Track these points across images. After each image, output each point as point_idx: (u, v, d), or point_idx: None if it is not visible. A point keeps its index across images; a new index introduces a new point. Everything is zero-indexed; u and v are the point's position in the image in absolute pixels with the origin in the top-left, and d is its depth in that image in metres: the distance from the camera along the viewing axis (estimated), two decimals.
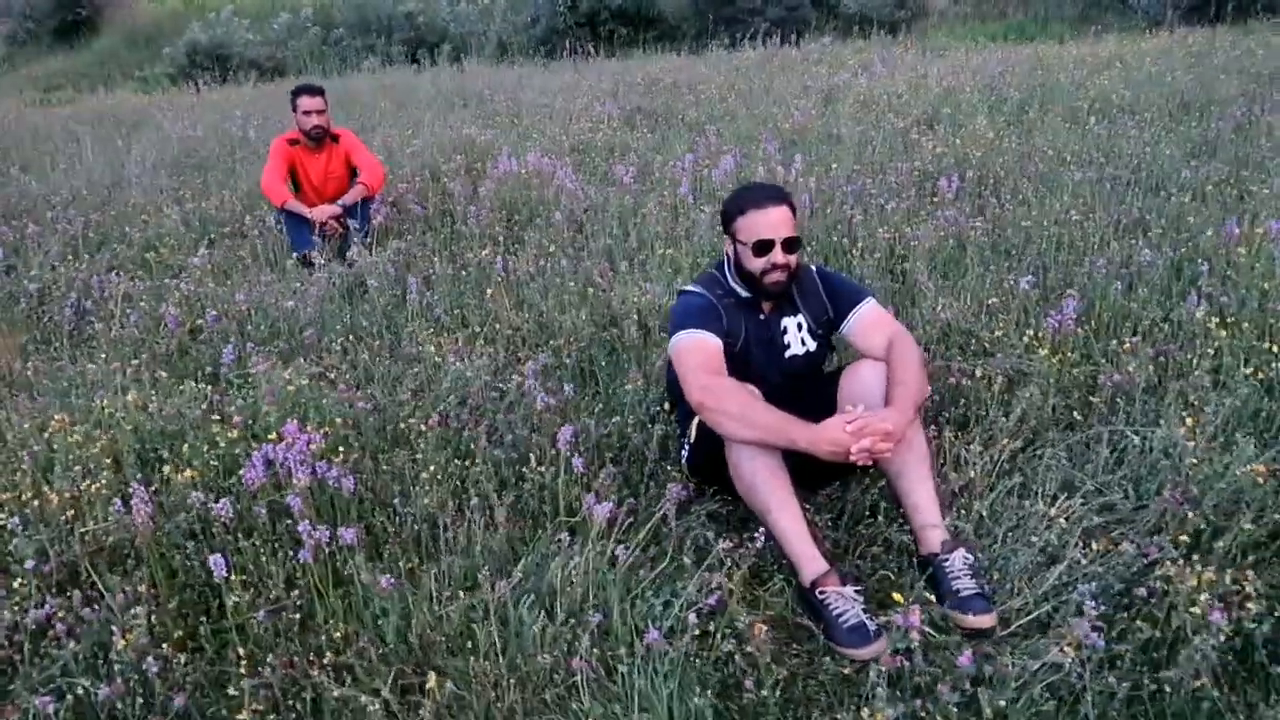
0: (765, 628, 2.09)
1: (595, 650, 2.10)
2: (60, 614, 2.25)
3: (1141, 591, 2.04)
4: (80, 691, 2.04)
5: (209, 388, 3.19)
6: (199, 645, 2.24)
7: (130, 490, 2.53)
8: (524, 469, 2.62)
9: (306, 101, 5.14)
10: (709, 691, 1.95)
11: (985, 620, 2.14)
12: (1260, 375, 2.77)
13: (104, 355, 3.65)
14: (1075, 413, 2.77)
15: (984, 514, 2.44)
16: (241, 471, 2.53)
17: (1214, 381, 2.81)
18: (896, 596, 2.07)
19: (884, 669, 1.90)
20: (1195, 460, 2.33)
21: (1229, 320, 2.98)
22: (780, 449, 2.31)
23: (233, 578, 2.24)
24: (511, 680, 2.03)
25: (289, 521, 2.40)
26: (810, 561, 2.24)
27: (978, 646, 2.09)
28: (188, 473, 2.64)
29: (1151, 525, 2.29)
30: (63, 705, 2.02)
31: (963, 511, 2.47)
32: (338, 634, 2.17)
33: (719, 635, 2.09)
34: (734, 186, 4.88)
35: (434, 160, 6.40)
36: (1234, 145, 5.38)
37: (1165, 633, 1.95)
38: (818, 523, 2.53)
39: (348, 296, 4.25)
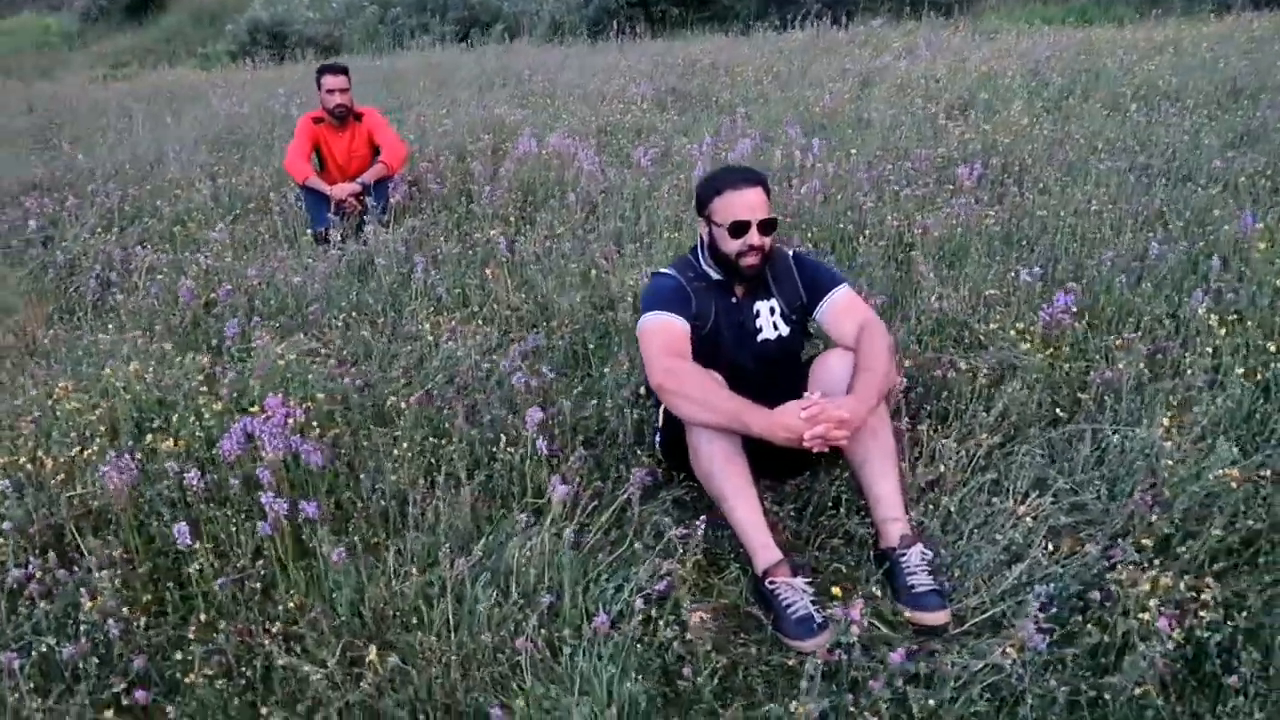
0: (706, 616, 2.10)
1: (543, 631, 2.12)
2: (39, 575, 2.34)
3: (1096, 595, 1.99)
4: (45, 649, 2.12)
5: (206, 360, 3.26)
6: (164, 610, 2.31)
7: (116, 458, 2.62)
8: (493, 449, 2.63)
9: (330, 80, 5.21)
10: (641, 677, 1.95)
11: (937, 617, 2.11)
12: (1259, 376, 2.67)
13: (113, 325, 3.76)
14: (1059, 409, 2.69)
15: (952, 509, 2.40)
16: (220, 442, 2.59)
17: (1211, 381, 2.71)
18: (835, 590, 2.04)
19: (820, 662, 1.88)
20: (1171, 462, 2.26)
21: (1230, 318, 2.87)
22: (741, 436, 2.29)
23: (198, 546, 2.30)
24: (454, 658, 2.05)
25: (261, 493, 2.45)
26: (763, 550, 2.22)
27: (925, 644, 2.06)
28: (169, 442, 2.72)
29: (1120, 527, 2.23)
30: (28, 661, 2.10)
31: (931, 506, 2.43)
32: (291, 604, 2.21)
33: (663, 622, 2.09)
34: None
35: (462, 140, 6.44)
36: (1279, 135, 5.16)
37: (1114, 638, 1.90)
38: (780, 512, 2.51)
39: (358, 274, 4.31)
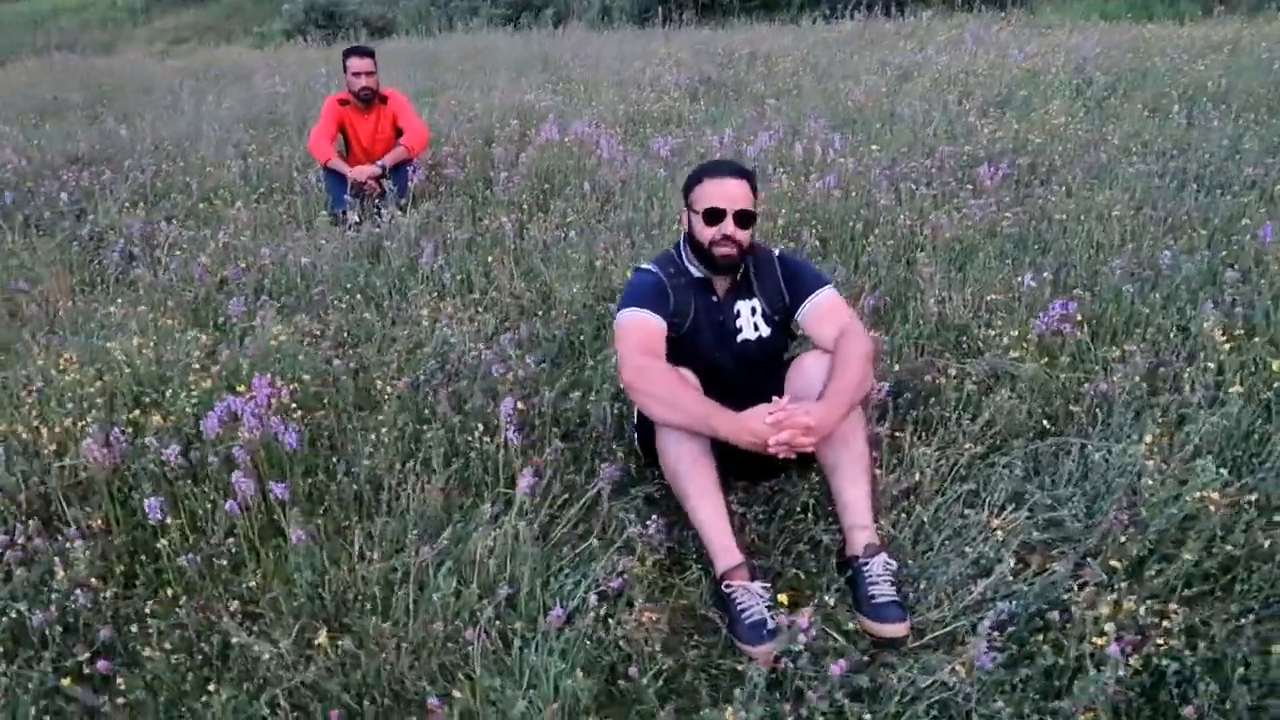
0: (655, 615, 2.08)
1: (498, 623, 2.13)
2: (21, 542, 2.40)
3: (1056, 615, 1.93)
4: (14, 615, 2.18)
5: (206, 337, 3.31)
6: (133, 583, 2.35)
7: (99, 430, 2.68)
8: (468, 438, 2.64)
9: (356, 63, 5.25)
10: (588, 674, 1.94)
11: (895, 629, 2.07)
12: (1261, 395, 2.57)
13: (125, 300, 3.83)
14: (1048, 421, 2.62)
15: (925, 519, 2.35)
16: (203, 420, 2.64)
17: (1212, 399, 2.62)
18: (781, 598, 2.01)
19: (763, 668, 1.86)
20: (1151, 481, 2.18)
21: (1237, 333, 2.76)
22: (710, 438, 2.27)
23: (170, 521, 2.34)
24: (404, 644, 2.06)
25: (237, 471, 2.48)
26: (723, 553, 2.19)
27: (879, 656, 2.03)
28: (156, 417, 2.77)
29: (1093, 546, 2.16)
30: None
31: (904, 514, 2.39)
32: (252, 583, 2.24)
33: (615, 619, 2.07)
34: (770, 163, 4.79)
35: (491, 124, 6.45)
36: None
37: (1068, 661, 1.85)
38: (748, 514, 2.48)
39: (370, 256, 4.35)
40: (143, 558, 2.39)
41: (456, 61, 10.63)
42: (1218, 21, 10.45)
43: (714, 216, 2.43)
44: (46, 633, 2.14)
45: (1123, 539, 2.07)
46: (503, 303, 3.72)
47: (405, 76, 9.58)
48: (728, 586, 2.14)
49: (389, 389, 2.89)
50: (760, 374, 2.52)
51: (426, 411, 2.83)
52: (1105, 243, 3.61)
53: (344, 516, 2.53)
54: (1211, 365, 2.66)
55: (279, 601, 2.19)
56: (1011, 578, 2.10)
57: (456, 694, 1.95)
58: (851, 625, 2.10)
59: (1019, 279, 3.24)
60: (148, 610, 2.15)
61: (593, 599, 2.10)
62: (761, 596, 2.11)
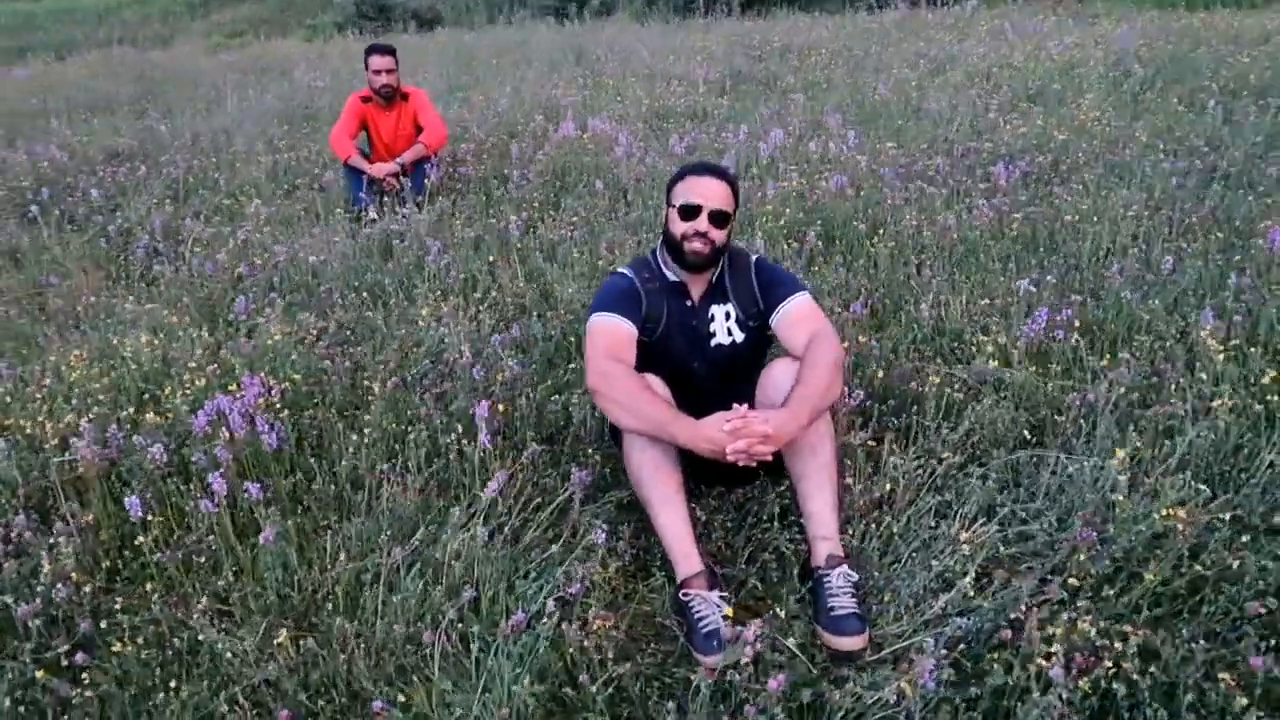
0: (608, 623, 2.09)
1: (460, 625, 2.15)
2: (15, 535, 2.50)
3: (1009, 633, 1.90)
4: (1, 607, 2.26)
5: (207, 334, 3.39)
6: (116, 578, 2.43)
7: (96, 427, 2.77)
8: (447, 440, 2.67)
9: (377, 61, 5.31)
10: (540, 679, 1.96)
11: (852, 642, 2.05)
12: (1256, 408, 2.49)
13: (143, 296, 3.93)
14: (1030, 431, 2.57)
15: (896, 531, 2.32)
16: (192, 417, 2.71)
17: (1205, 409, 2.54)
18: (727, 610, 2.01)
19: (708, 679, 1.86)
20: (1121, 496, 2.13)
21: (1235, 342, 2.68)
22: (677, 446, 2.27)
23: (152, 519, 2.42)
24: (362, 645, 2.10)
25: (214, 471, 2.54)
26: (683, 560, 2.20)
27: (831, 670, 2.01)
28: (151, 415, 2.85)
29: (1059, 562, 2.12)
30: None
31: (874, 525, 2.36)
32: (222, 582, 2.30)
33: (569, 625, 2.09)
34: (782, 160, 4.75)
35: (514, 120, 6.49)
36: None
37: (1017, 681, 1.81)
38: (714, 522, 2.47)
39: (382, 254, 4.40)
40: (126, 553, 2.47)
41: (493, 55, 10.68)
42: (1276, 10, 10.08)
43: (689, 212, 2.42)
44: (30, 624, 2.22)
45: (1083, 556, 2.01)
46: (503, 302, 3.75)
47: (440, 71, 9.67)
48: (685, 595, 2.15)
49: (376, 389, 2.93)
50: (734, 380, 2.50)
51: (410, 412, 2.87)
52: (1113, 244, 3.52)
53: (323, 516, 2.57)
54: (1205, 376, 2.59)
55: (248, 600, 2.25)
56: (972, 593, 2.07)
57: (412, 696, 1.99)
58: (794, 639, 2.08)
59: (1018, 283, 3.17)
60: (118, 605, 2.21)
61: (550, 604, 2.11)
62: (719, 606, 2.11)
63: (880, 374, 2.85)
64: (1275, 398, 2.45)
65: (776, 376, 2.38)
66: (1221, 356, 2.57)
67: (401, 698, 1.98)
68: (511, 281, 3.81)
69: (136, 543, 2.39)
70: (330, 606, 2.20)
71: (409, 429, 2.79)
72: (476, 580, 2.26)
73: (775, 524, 2.38)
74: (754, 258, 2.59)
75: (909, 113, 5.92)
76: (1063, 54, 7.42)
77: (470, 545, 2.29)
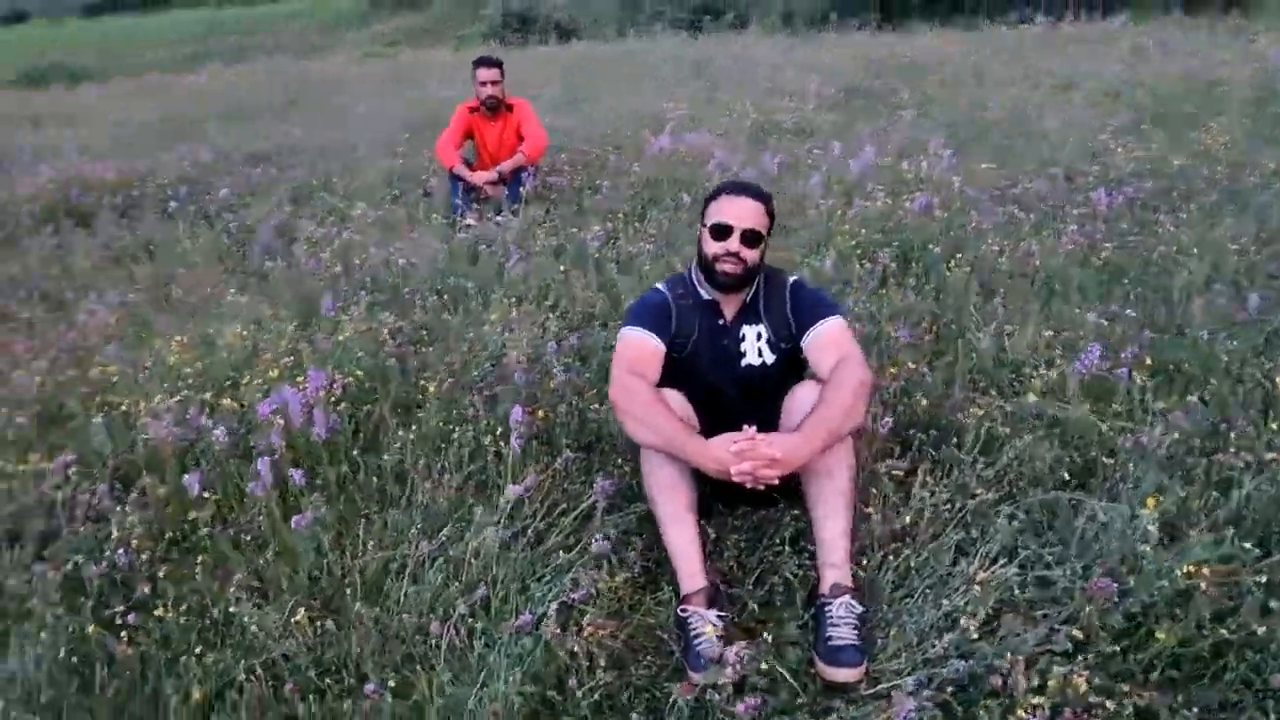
0: (602, 630, 2.13)
1: (471, 621, 2.24)
2: (95, 501, 2.74)
3: (997, 679, 1.83)
4: (74, 565, 2.49)
5: (290, 328, 3.61)
6: (174, 548, 2.63)
7: (179, 408, 3.01)
8: (481, 440, 2.77)
9: (483, 73, 5.53)
10: (520, 675, 2.01)
11: (846, 674, 2.02)
12: None
13: (235, 290, 4.22)
14: (1068, 473, 2.45)
15: (913, 564, 2.27)
16: (258, 405, 2.91)
17: (1267, 463, 2.36)
18: (708, 630, 2.01)
19: (685, 697, 1.88)
20: (1148, 548, 2.01)
21: None
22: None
23: (208, 496, 2.61)
24: (375, 631, 2.21)
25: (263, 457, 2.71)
26: (687, 578, 2.21)
27: (824, 700, 1.99)
28: (227, 400, 3.07)
29: (1073, 611, 2.02)
30: (59, 573, 2.47)
31: (891, 556, 2.31)
32: (262, 560, 2.46)
33: (568, 630, 2.14)
34: (870, 180, 4.67)
35: (620, 131, 6.61)
36: None
37: None
38: (728, 542, 2.47)
39: (470, 260, 4.57)
40: (186, 527, 2.67)
41: (618, 67, 10.89)
42: None
43: (721, 232, 2.44)
44: (94, 584, 2.44)
45: (1097, 608, 1.92)
46: (572, 311, 3.84)
47: (565, 81, 9.93)
48: (684, 611, 2.16)
49: (431, 389, 3.07)
50: (762, 401, 2.49)
51: (458, 413, 2.98)
52: (1196, 280, 3.30)
53: (364, 506, 2.71)
54: (1277, 427, 2.41)
55: (281, 579, 2.40)
56: (976, 635, 2.00)
57: (414, 684, 2.08)
58: (786, 665, 2.05)
59: (1088, 315, 3.02)
60: (162, 574, 2.40)
61: (553, 609, 2.17)
62: (714, 625, 2.11)
63: (924, 402, 2.77)
64: None
65: (800, 399, 2.36)
66: None
67: (401, 684, 2.07)
68: (583, 291, 3.89)
69: (192, 517, 2.58)
70: (351, 592, 2.32)
71: (455, 429, 2.90)
72: (492, 579, 2.33)
73: (787, 548, 2.36)
74: (792, 279, 2.58)
75: (1020, 133, 5.70)
76: (1207, 73, 6.97)
77: (489, 545, 2.37)
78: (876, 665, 2.06)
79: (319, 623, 2.25)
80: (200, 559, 2.52)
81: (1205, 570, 1.87)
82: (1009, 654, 1.85)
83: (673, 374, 2.51)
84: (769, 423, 2.38)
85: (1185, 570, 1.89)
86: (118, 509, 2.66)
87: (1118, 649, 1.87)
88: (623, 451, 2.79)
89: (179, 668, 2.19)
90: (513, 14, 22.98)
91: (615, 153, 5.91)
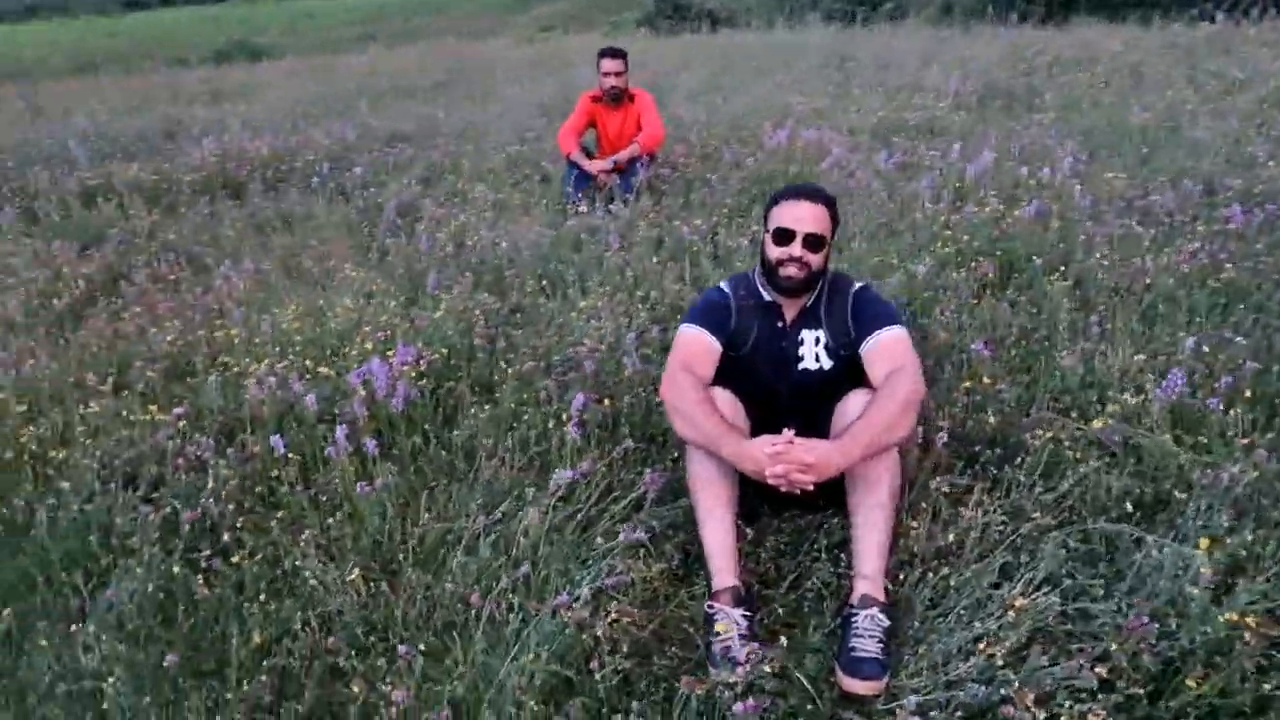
0: (627, 617, 2.18)
1: (512, 596, 2.34)
2: (199, 454, 3.00)
3: (1011, 710, 1.79)
4: (169, 510, 2.74)
5: (396, 304, 3.82)
6: (260, 503, 2.85)
7: (282, 372, 3.25)
8: (546, 424, 2.86)
9: (607, 64, 5.63)
10: (545, 653, 2.09)
11: (866, 686, 2.01)
12: None
13: (350, 265, 4.48)
14: (1130, 504, 2.33)
15: (952, 583, 2.22)
16: (348, 375, 3.11)
17: None
18: (720, 626, 2.03)
19: (689, 691, 1.92)
20: (1197, 590, 1.90)
21: None
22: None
23: (291, 457, 2.82)
24: (420, 596, 2.34)
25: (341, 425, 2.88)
26: (718, 575, 2.24)
27: (837, 711, 1.98)
28: (323, 368, 3.29)
29: (1105, 649, 1.94)
30: (159, 515, 2.72)
31: (930, 574, 2.26)
32: (332, 520, 2.64)
33: (596, 614, 2.21)
34: (986, 185, 4.51)
35: (742, 124, 6.59)
36: None
37: None
38: (768, 544, 2.47)
39: (575, 247, 4.69)
40: (272, 483, 2.89)
41: (760, 57, 10.81)
42: None
43: (783, 237, 2.45)
44: (185, 527, 2.68)
45: (1121, 647, 1.83)
46: (662, 303, 3.89)
47: (704, 70, 9.95)
48: (710, 607, 2.19)
49: (510, 371, 3.19)
50: (818, 407, 2.48)
51: (529, 395, 3.09)
52: None
53: (434, 478, 2.86)
54: None
55: (345, 540, 2.57)
56: (1002, 663, 1.95)
57: (450, 651, 2.19)
58: (804, 672, 2.05)
59: (1187, 340, 2.84)
60: (240, 525, 2.61)
61: (586, 592, 2.25)
62: (739, 624, 2.13)
63: (992, 419, 2.69)
64: None
65: (851, 407, 2.34)
66: None
67: (439, 649, 2.19)
68: (674, 284, 3.93)
69: (275, 475, 2.80)
70: (402, 557, 2.46)
71: (526, 410, 3.02)
72: (536, 559, 2.43)
73: (824, 555, 2.35)
74: (857, 286, 2.55)
75: (1165, 140, 5.34)
76: None
77: (536, 525, 2.47)
78: (898, 682, 2.03)
79: (373, 583, 2.41)
80: (279, 515, 2.74)
81: (1250, 620, 1.76)
82: (1016, 683, 1.79)
83: (730, 373, 2.53)
84: (822, 428, 2.37)
85: (1227, 618, 1.78)
86: (217, 462, 2.91)
87: (1143, 692, 1.78)
88: (677, 445, 2.83)
89: (244, 613, 2.39)
90: (668, 1, 23.08)
91: (731, 146, 5.89)
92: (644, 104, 5.73)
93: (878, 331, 2.41)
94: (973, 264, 3.69)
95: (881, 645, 2.06)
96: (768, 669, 1.90)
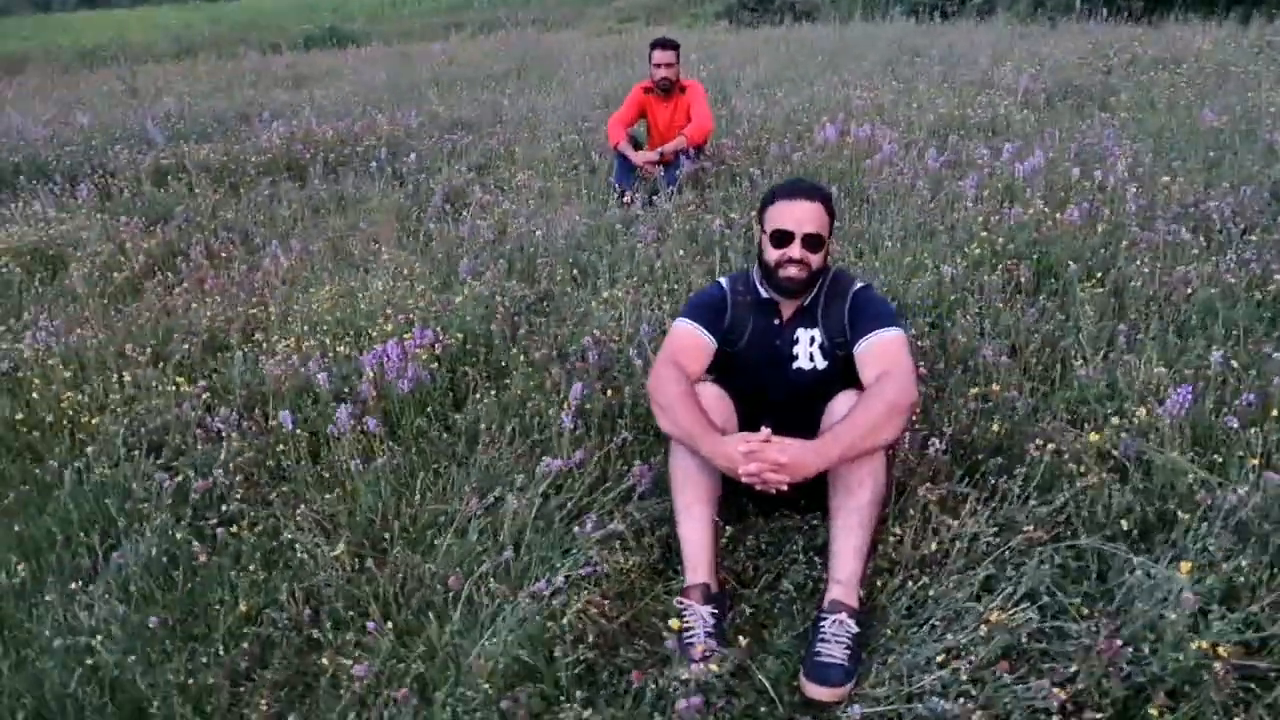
0: (595, 609, 2.19)
1: (493, 581, 2.36)
2: (217, 424, 3.11)
3: None
4: (181, 478, 2.85)
5: (427, 288, 3.88)
6: (268, 475, 2.93)
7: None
8: (548, 412, 2.88)
9: (658, 55, 5.62)
10: (510, 639, 2.11)
11: (825, 693, 1.98)
12: None
13: (387, 249, 4.56)
14: (1126, 521, 2.22)
15: (931, 593, 2.17)
16: (364, 355, 3.18)
17: None
18: (675, 623, 2.01)
19: (640, 684, 1.92)
20: (1173, 615, 1.82)
21: None
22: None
23: (299, 433, 2.89)
24: (403, 575, 2.39)
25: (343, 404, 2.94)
26: (691, 571, 2.23)
27: (798, 716, 1.96)
28: (342, 348, 3.37)
29: (1075, 671, 1.86)
30: (174, 483, 2.82)
31: (909, 583, 2.21)
32: (329, 496, 2.70)
33: (566, 602, 2.21)
34: (1035, 185, 4.37)
35: (798, 119, 6.50)
36: None
37: None
38: (748, 543, 2.44)
39: (610, 238, 4.70)
40: (280, 457, 2.97)
41: (832, 51, 10.63)
42: None
43: (781, 239, 2.41)
44: (195, 497, 2.77)
45: (1086, 668, 1.76)
46: (686, 296, 3.86)
47: (774, 63, 9.83)
48: (679, 603, 2.18)
49: (522, 358, 3.22)
50: (811, 406, 2.44)
51: (537, 383, 3.11)
52: None
53: (434, 459, 2.90)
54: None
55: (340, 516, 2.63)
56: (966, 678, 1.89)
57: (425, 630, 2.23)
58: (765, 674, 2.03)
59: (1214, 354, 2.71)
60: (239, 497, 2.69)
61: (560, 580, 2.26)
62: (705, 621, 2.12)
63: (996, 427, 2.60)
64: None
65: (838, 408, 2.30)
66: None
67: (415, 627, 2.22)
68: (700, 278, 3.91)
69: (282, 449, 2.88)
70: (390, 537, 2.51)
71: (533, 397, 3.04)
72: (517, 545, 2.45)
73: (803, 556, 2.31)
74: (856, 286, 2.50)
75: (1240, 144, 5.08)
76: None
77: (522, 512, 2.49)
78: (860, 691, 1.99)
79: (360, 560, 2.46)
80: (282, 488, 2.82)
81: (1221, 649, 1.67)
82: (966, 702, 1.74)
83: (724, 369, 2.51)
84: (816, 428, 2.33)
85: (1198, 645, 1.69)
86: (230, 435, 3.00)
87: (1101, 718, 1.71)
88: (665, 440, 2.82)
89: (236, 580, 2.47)
90: None
91: (782, 141, 5.81)
92: (694, 95, 5.70)
93: (873, 332, 2.35)
94: (1006, 265, 3.57)
95: (849, 652, 2.02)
96: (716, 668, 1.87)
